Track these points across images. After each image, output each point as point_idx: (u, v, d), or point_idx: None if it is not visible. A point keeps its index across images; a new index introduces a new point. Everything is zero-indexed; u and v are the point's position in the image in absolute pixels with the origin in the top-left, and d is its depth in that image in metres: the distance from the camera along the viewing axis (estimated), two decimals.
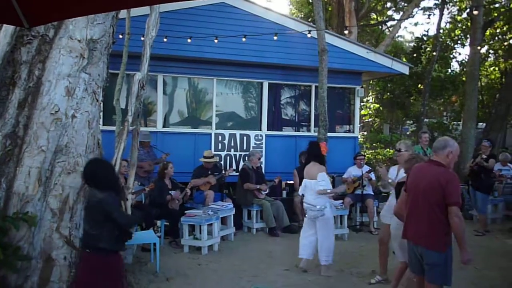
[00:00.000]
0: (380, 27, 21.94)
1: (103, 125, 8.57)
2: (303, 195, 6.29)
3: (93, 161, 4.30)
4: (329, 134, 9.62)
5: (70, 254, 4.55)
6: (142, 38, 6.00)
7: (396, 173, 5.62)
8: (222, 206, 7.72)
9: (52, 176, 4.63)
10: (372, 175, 8.94)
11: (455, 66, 19.47)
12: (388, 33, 19.84)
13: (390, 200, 5.49)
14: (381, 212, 5.91)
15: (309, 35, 9.28)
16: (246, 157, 9.50)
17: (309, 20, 15.43)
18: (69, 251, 4.55)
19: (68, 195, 4.64)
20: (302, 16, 20.01)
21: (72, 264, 4.56)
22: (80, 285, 4.15)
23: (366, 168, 9.01)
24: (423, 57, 16.36)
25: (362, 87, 11.15)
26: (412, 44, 18.46)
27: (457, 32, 18.64)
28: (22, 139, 4.66)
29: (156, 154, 8.37)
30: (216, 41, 8.76)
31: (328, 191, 5.99)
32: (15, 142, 4.65)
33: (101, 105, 5.48)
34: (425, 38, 16.87)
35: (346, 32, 13.42)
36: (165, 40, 8.35)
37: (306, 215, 6.15)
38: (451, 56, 18.78)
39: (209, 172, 8.38)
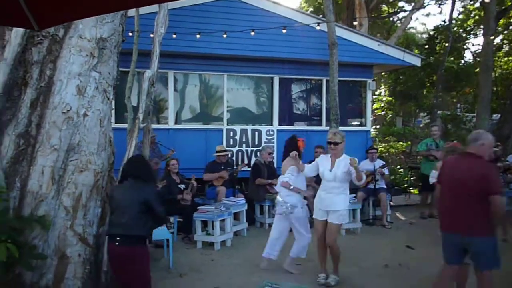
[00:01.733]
0: (391, 19, 21.72)
1: (116, 123, 8.66)
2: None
3: (136, 157, 4.76)
4: (340, 128, 9.55)
5: (84, 251, 4.62)
6: (152, 36, 6.01)
7: (330, 165, 5.43)
8: (234, 201, 7.74)
9: (65, 174, 4.69)
10: (386, 170, 8.88)
11: (468, 57, 19.23)
12: (399, 24, 19.65)
13: None
14: None
15: (318, 28, 9.23)
16: (258, 153, 9.51)
17: (319, 14, 15.32)
18: (83, 249, 4.61)
19: (81, 193, 4.70)
20: (312, 10, 19.88)
21: (86, 261, 4.62)
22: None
23: (379, 162, 8.95)
24: (437, 48, 16.16)
25: (373, 80, 11.07)
26: (424, 36, 18.23)
27: (470, 22, 18.37)
28: (35, 139, 4.72)
29: (161, 151, 8.40)
30: (225, 36, 8.75)
31: (291, 187, 5.79)
32: (28, 142, 4.71)
33: (112, 103, 5.51)
34: (440, 29, 16.64)
35: (356, 24, 13.30)
36: (174, 36, 8.36)
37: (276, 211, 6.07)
38: (464, 47, 18.52)
39: (222, 167, 8.41)
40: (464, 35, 18.46)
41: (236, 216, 7.76)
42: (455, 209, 4.09)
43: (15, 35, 4.62)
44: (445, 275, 4.34)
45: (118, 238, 3.99)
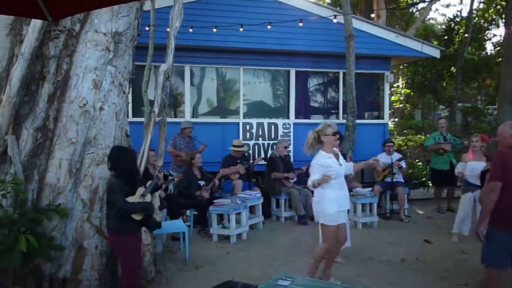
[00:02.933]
0: (410, 10, 21.37)
1: (133, 116, 8.77)
2: None
3: (114, 148, 4.54)
4: (357, 121, 9.49)
5: (101, 243, 4.68)
6: (168, 29, 6.03)
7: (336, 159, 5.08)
8: (250, 195, 7.75)
9: (82, 167, 4.76)
10: (403, 163, 8.78)
11: (489, 47, 18.83)
12: (418, 16, 19.32)
13: None
14: None
15: (334, 20, 9.14)
16: (274, 146, 9.50)
17: (336, 6, 15.16)
18: (100, 240, 4.67)
19: (98, 186, 4.77)
20: (329, 1, 19.69)
21: (103, 253, 4.69)
22: None
23: (396, 155, 8.85)
24: (456, 39, 15.86)
25: (391, 72, 10.93)
26: (443, 27, 17.89)
27: (491, 12, 17.97)
28: (52, 132, 4.80)
29: (196, 145, 8.44)
30: (241, 29, 8.73)
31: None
32: (46, 135, 4.79)
33: (129, 97, 5.56)
34: (457, 19, 16.32)
35: (373, 16, 13.13)
36: (190, 30, 8.38)
37: None
38: (485, 37, 18.13)
39: (238, 161, 8.42)
40: (485, 25, 18.06)
41: (252, 210, 7.78)
42: None
43: (32, 30, 4.68)
44: (497, 281, 4.02)
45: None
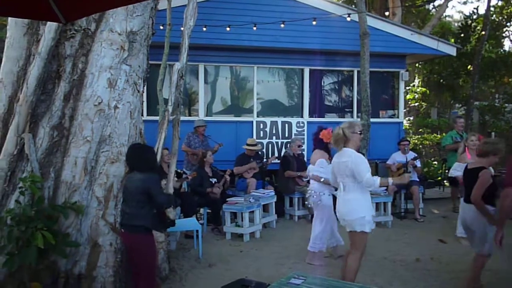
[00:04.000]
0: (426, 7, 21.13)
1: (148, 115, 8.85)
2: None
3: (134, 146, 4.44)
4: (372, 120, 9.42)
5: (116, 240, 4.72)
6: (182, 28, 6.06)
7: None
8: (264, 193, 7.76)
9: (97, 165, 4.81)
10: (418, 162, 8.70)
11: (507, 45, 18.52)
12: (434, 13, 19.08)
13: None
14: None
15: (348, 19, 9.09)
16: (288, 145, 9.49)
17: (351, 4, 15.07)
18: (115, 238, 4.72)
19: (113, 184, 4.81)
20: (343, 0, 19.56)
21: (117, 250, 4.73)
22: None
23: (411, 154, 8.78)
24: (472, 36, 15.63)
25: (406, 71, 10.83)
26: (460, 24, 17.65)
27: (510, 8, 17.67)
28: (68, 130, 4.87)
29: (210, 144, 8.47)
30: (255, 28, 8.74)
31: (322, 179, 5.75)
32: (62, 133, 4.85)
33: (143, 95, 5.61)
34: (474, 16, 16.07)
35: (388, 14, 13.01)
36: (204, 29, 8.41)
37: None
38: (503, 34, 17.84)
39: (252, 160, 8.44)
40: (503, 22, 17.77)
41: (265, 208, 7.79)
42: None
43: (49, 29, 4.75)
44: None
45: (123, 227, 4.18)
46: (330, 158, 5.91)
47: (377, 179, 4.40)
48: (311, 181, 6.02)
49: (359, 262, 4.60)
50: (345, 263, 4.67)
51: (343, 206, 4.57)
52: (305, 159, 9.10)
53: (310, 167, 6.07)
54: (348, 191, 4.51)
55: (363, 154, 7.78)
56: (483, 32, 14.20)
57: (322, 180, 5.80)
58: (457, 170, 6.49)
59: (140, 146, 4.44)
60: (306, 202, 6.08)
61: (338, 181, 4.68)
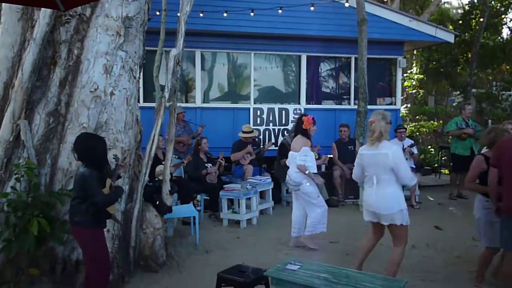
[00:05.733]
0: None
1: (144, 102, 8.80)
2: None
3: (81, 135, 4.05)
4: (369, 107, 9.41)
5: (113, 227, 4.73)
6: (178, 14, 6.01)
7: None
8: (261, 180, 7.77)
9: None
10: (414, 149, 8.72)
11: (505, 32, 18.40)
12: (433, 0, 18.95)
13: None
14: None
15: (346, 4, 9.02)
16: (286, 132, 9.48)
17: None
18: (112, 224, 4.71)
19: None
20: None
21: (115, 236, 4.75)
22: None
23: (407, 141, 8.79)
24: (472, 23, 15.55)
25: (404, 58, 10.80)
26: (459, 11, 17.57)
27: None
28: (64, 117, 4.85)
29: (192, 129, 8.47)
30: (252, 14, 8.67)
31: (307, 172, 5.71)
32: (58, 120, 4.84)
33: (140, 82, 5.58)
34: (475, 1, 15.95)
35: (386, 0, 12.92)
36: (201, 15, 8.34)
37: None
38: (502, 22, 17.74)
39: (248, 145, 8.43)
40: (502, 9, 17.66)
41: (262, 195, 7.81)
42: None
43: (44, 15, 4.71)
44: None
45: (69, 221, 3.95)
46: (312, 145, 5.99)
47: (415, 176, 4.41)
48: (292, 169, 5.91)
49: (403, 256, 4.52)
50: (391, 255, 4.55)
51: (379, 200, 4.40)
52: None
53: (292, 153, 5.94)
54: (384, 184, 4.38)
55: (361, 143, 7.85)
56: (482, 19, 14.13)
57: (307, 172, 5.72)
58: None
59: (86, 136, 4.05)
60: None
61: (367, 174, 4.54)
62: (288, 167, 8.20)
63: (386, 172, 4.36)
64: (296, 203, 6.10)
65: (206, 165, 7.69)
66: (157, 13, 7.72)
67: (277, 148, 8.87)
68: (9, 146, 4.66)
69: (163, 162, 6.13)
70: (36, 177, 4.52)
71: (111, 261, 4.23)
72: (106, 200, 3.78)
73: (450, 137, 9.45)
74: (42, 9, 4.70)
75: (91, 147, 3.82)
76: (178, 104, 8.74)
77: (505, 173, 4.10)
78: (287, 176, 6.00)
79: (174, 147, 8.16)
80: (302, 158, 5.76)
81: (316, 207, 5.86)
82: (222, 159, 7.85)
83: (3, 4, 5.14)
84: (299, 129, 5.96)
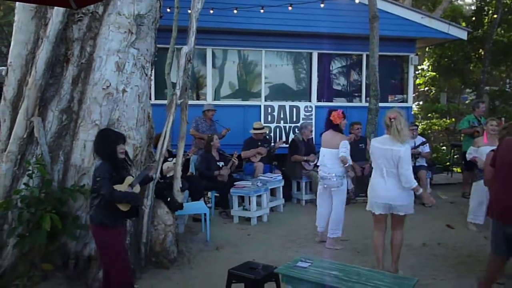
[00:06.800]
0: None
1: (156, 99, 8.85)
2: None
3: (100, 131, 4.17)
4: (381, 104, 9.35)
5: (126, 223, 4.76)
6: (189, 12, 6.02)
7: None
8: (271, 177, 7.77)
9: None
10: (426, 147, 8.65)
11: None
12: None
13: None
14: None
15: (357, 1, 8.98)
16: (296, 129, 9.46)
17: None
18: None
19: None
20: None
21: (127, 232, 4.77)
22: None
23: (419, 139, 8.73)
24: (485, 20, 15.36)
25: (416, 55, 10.72)
26: (472, 8, 17.34)
27: None
28: (77, 114, 4.90)
29: (217, 129, 8.47)
30: (262, 11, 8.66)
31: (347, 164, 5.74)
32: (71, 117, 4.89)
33: (151, 79, 5.61)
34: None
35: None
36: (211, 12, 8.36)
37: (322, 185, 6.01)
38: None
39: (259, 144, 8.44)
40: None
41: (272, 192, 7.82)
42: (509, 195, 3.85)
43: (57, 13, 4.75)
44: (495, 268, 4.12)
45: None
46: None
47: (415, 182, 4.60)
48: (331, 163, 5.83)
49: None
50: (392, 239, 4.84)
51: (394, 191, 4.63)
52: (314, 143, 9.08)
53: (327, 150, 5.91)
54: (393, 176, 4.61)
55: (367, 139, 7.80)
56: (495, 16, 13.96)
57: (347, 164, 5.77)
58: (471, 154, 6.54)
59: (102, 131, 4.17)
60: (321, 185, 6.02)
61: (376, 166, 4.77)
62: (299, 164, 8.27)
63: (395, 165, 4.60)
64: (320, 200, 6.09)
65: (218, 163, 7.69)
66: (168, 10, 7.77)
67: (287, 145, 8.86)
68: (23, 143, 4.72)
69: (168, 159, 6.18)
70: (49, 173, 4.57)
71: (130, 265, 4.06)
72: (113, 195, 3.65)
73: (463, 135, 9.36)
74: (55, 7, 4.75)
75: (97, 139, 3.92)
76: (207, 103, 8.82)
77: (496, 175, 4.08)
78: (323, 173, 5.91)
79: (194, 143, 8.23)
80: (343, 150, 5.74)
81: (343, 203, 5.89)
82: (235, 159, 7.84)
83: (16, 3, 5.19)
84: (330, 125, 5.93)
